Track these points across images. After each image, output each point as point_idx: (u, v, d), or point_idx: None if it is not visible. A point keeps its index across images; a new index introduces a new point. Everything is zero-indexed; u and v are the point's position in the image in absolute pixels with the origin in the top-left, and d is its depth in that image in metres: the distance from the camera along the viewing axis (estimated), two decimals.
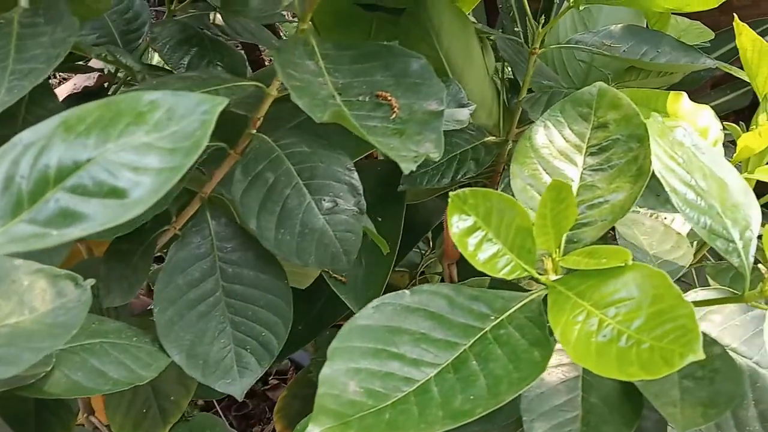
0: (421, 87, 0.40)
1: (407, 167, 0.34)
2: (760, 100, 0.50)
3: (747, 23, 0.96)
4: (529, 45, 0.59)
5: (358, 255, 0.65)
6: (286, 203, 0.44)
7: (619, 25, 0.61)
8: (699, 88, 1.15)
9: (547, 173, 0.41)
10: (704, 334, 0.41)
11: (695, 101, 1.10)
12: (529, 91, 0.64)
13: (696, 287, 0.48)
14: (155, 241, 0.46)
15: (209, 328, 0.45)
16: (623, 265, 0.34)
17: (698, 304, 0.43)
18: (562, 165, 0.41)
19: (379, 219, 0.66)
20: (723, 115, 1.31)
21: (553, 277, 0.38)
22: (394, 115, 0.39)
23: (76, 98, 0.73)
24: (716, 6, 1.01)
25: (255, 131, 0.45)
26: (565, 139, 0.42)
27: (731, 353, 0.44)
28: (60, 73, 1.49)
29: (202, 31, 0.60)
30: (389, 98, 0.40)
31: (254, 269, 0.46)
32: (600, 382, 0.40)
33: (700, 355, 0.30)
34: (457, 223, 0.34)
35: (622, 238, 0.45)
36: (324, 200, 0.44)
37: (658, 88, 0.66)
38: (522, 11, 0.69)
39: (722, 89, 1.13)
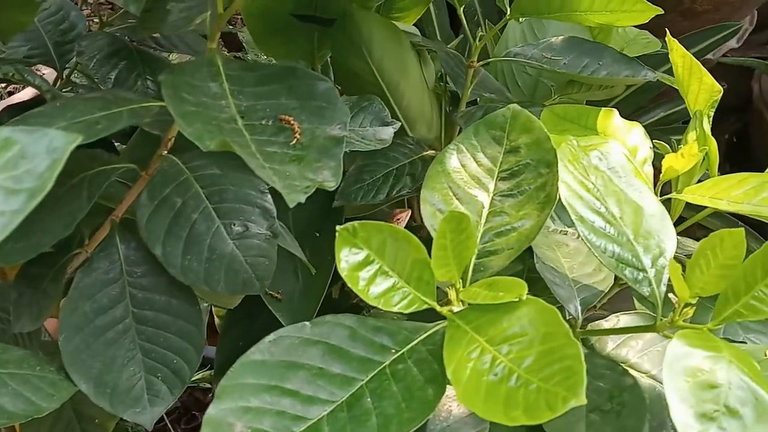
0: (326, 111, 0.39)
1: (294, 199, 0.33)
2: (691, 116, 0.49)
3: (710, 28, 0.95)
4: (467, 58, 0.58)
5: (294, 270, 0.64)
6: (194, 228, 0.43)
7: (560, 37, 0.59)
8: (665, 92, 1.15)
9: (457, 199, 0.40)
10: (617, 364, 0.40)
11: (661, 105, 1.09)
12: (472, 103, 0.63)
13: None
14: (66, 265, 0.45)
15: (118, 356, 0.43)
16: (517, 299, 0.33)
17: (611, 332, 0.42)
18: (473, 190, 0.40)
19: (317, 234, 0.65)
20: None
21: (456, 308, 0.36)
22: (295, 141, 0.37)
23: (17, 108, 0.71)
24: (677, 12, 0.99)
25: (166, 152, 0.44)
26: (478, 163, 0.41)
27: (650, 380, 0.43)
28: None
29: (132, 43, 0.58)
30: (292, 122, 0.38)
31: (166, 294, 0.45)
32: None
33: (582, 401, 0.28)
34: (346, 258, 0.33)
35: (540, 261, 0.43)
36: (234, 224, 0.43)
37: (603, 99, 0.65)
38: (474, 24, 0.68)
39: None
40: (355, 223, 0.33)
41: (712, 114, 0.48)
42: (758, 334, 0.46)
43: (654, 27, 1.05)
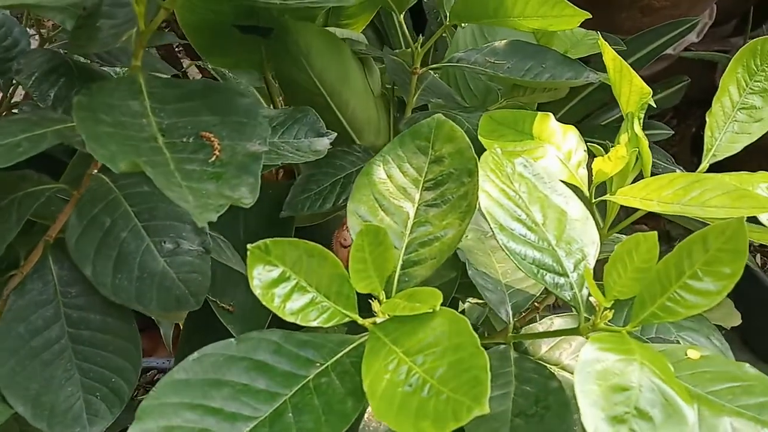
0: (246, 126, 0.39)
1: (205, 218, 0.33)
2: (624, 118, 0.49)
3: (667, 24, 0.96)
4: (410, 65, 0.58)
5: (246, 282, 0.64)
6: (123, 247, 0.43)
7: (503, 41, 0.60)
8: None
9: (383, 210, 0.40)
10: (545, 368, 0.41)
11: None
12: (420, 109, 0.63)
13: None
14: (2, 287, 0.45)
15: (56, 377, 0.44)
16: (431, 310, 0.33)
17: (539, 335, 0.43)
18: (399, 201, 0.40)
19: None
20: (659, 112, 1.31)
21: (380, 320, 0.37)
22: (214, 158, 0.37)
23: None
24: (636, 8, 1.00)
25: (96, 171, 0.44)
26: (404, 173, 0.41)
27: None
28: None
29: (72, 59, 0.58)
30: (212, 139, 0.38)
31: (101, 313, 0.45)
32: None
33: (485, 410, 0.29)
34: (260, 275, 0.33)
35: (473, 267, 0.44)
36: (165, 242, 0.43)
37: (562, 99, 0.66)
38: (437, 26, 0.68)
39: (652, 88, 1.12)
40: (268, 240, 0.34)
41: (642, 115, 0.48)
42: (691, 332, 0.46)
43: (612, 25, 1.06)
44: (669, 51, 0.96)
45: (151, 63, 0.64)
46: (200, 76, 1.20)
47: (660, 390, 0.33)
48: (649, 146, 1.03)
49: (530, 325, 0.45)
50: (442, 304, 0.44)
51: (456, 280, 0.44)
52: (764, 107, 0.48)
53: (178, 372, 0.36)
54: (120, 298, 0.43)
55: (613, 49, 0.85)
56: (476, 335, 0.31)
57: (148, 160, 0.37)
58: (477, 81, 0.70)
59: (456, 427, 0.29)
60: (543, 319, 0.45)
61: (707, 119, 0.48)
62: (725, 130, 0.48)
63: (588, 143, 0.49)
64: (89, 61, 0.62)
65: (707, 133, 0.48)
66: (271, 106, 0.76)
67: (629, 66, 0.47)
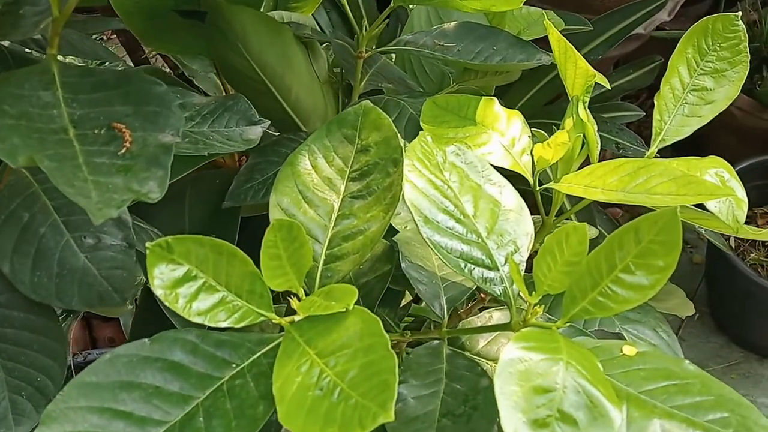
0: (159, 116, 0.37)
1: (103, 215, 0.31)
2: (570, 101, 0.47)
3: (636, 2, 0.93)
4: (356, 49, 0.56)
5: None
6: (42, 243, 0.41)
7: (453, 23, 0.57)
8: (602, 68, 1.13)
9: (306, 202, 0.38)
10: (477, 365, 0.39)
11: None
12: (369, 94, 0.61)
13: None
14: None
15: None
16: (345, 309, 0.32)
17: (470, 331, 0.41)
18: (324, 192, 0.38)
19: (214, 236, 0.63)
20: (633, 93, 1.29)
21: (298, 318, 0.35)
22: (124, 150, 0.36)
23: None
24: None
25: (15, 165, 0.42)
26: (330, 163, 0.39)
27: None
28: None
29: (6, 47, 0.56)
30: (124, 130, 0.36)
31: (24, 311, 0.43)
32: None
33: (390, 417, 0.27)
34: (162, 275, 0.32)
35: (407, 260, 0.42)
36: (85, 237, 0.41)
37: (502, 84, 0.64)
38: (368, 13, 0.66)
39: (624, 69, 1.10)
40: (170, 238, 0.32)
41: (588, 99, 0.46)
42: (636, 324, 0.45)
43: (580, 5, 1.03)
44: (640, 30, 0.93)
45: (92, 50, 0.62)
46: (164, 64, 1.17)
47: (585, 391, 0.31)
48: (620, 128, 1.02)
49: (468, 319, 0.43)
50: (374, 298, 0.43)
51: (389, 273, 0.43)
52: (716, 89, 0.46)
53: (88, 374, 0.34)
54: (39, 295, 0.41)
55: (580, 28, 0.83)
56: (386, 336, 0.30)
57: (54, 153, 0.35)
58: (433, 65, 0.67)
59: None
60: (482, 313, 0.43)
61: (656, 102, 0.46)
62: (675, 113, 0.46)
63: (533, 129, 0.48)
64: (30, 51, 0.60)
65: (656, 116, 0.46)
66: (224, 94, 0.74)
67: (574, 47, 0.45)
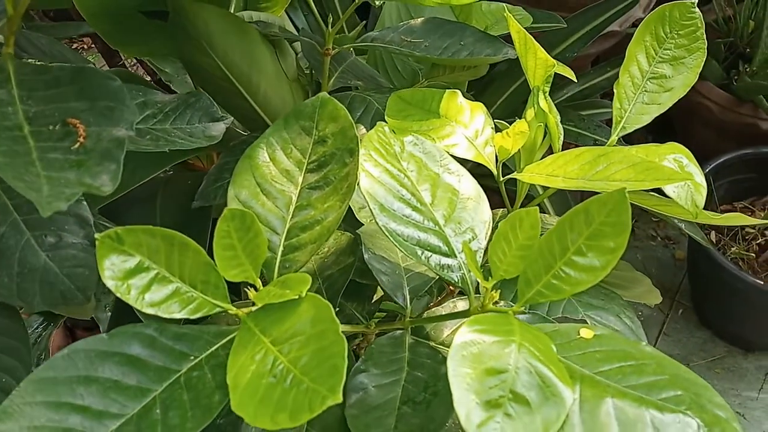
0: (114, 111, 0.37)
1: (52, 208, 0.31)
2: (532, 90, 0.48)
3: (604, 2, 0.94)
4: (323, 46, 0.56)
5: None
6: (2, 243, 0.41)
7: (420, 19, 0.58)
8: (580, 65, 1.14)
9: (264, 194, 0.38)
10: (438, 353, 0.40)
11: (571, 81, 1.06)
12: (338, 91, 0.61)
13: None
14: None
15: None
16: (297, 297, 0.32)
17: (430, 320, 0.41)
18: (282, 184, 0.39)
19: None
20: (611, 91, 1.29)
21: (255, 308, 0.35)
22: (78, 145, 0.36)
23: None
24: None
25: None
26: (288, 156, 0.39)
27: None
28: None
29: None
30: (78, 125, 0.36)
31: None
32: (324, 413, 0.38)
33: (338, 400, 0.27)
34: (113, 266, 0.32)
35: (370, 251, 0.42)
36: (46, 236, 0.41)
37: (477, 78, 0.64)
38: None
39: (602, 67, 1.11)
40: (119, 228, 0.32)
41: (548, 89, 0.46)
42: (599, 310, 0.45)
43: (555, 4, 1.04)
44: (616, 28, 0.94)
45: (60, 53, 0.62)
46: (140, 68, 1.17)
47: (537, 372, 0.31)
48: (597, 125, 1.02)
49: (433, 308, 0.43)
50: (337, 290, 0.43)
51: (353, 265, 0.43)
52: (675, 76, 0.47)
53: (45, 370, 0.34)
54: (1, 295, 0.41)
55: (553, 26, 0.83)
56: (337, 321, 0.30)
57: (7, 149, 0.35)
58: (404, 63, 0.68)
59: (310, 417, 0.28)
60: (447, 302, 0.43)
61: (615, 90, 0.47)
62: (635, 101, 0.47)
63: (497, 121, 0.48)
64: None
65: (615, 105, 0.47)
66: None
67: (533, 39, 0.46)
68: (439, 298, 0.50)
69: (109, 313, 0.76)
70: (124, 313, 0.59)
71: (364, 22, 0.86)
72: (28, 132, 0.37)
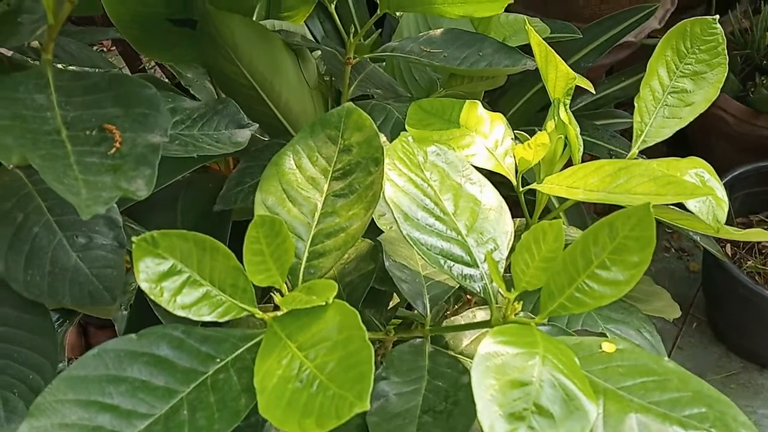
0: (149, 117, 0.38)
1: (91, 212, 0.32)
2: (552, 102, 0.48)
3: (625, 10, 0.95)
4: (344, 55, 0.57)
5: None
6: (35, 242, 0.42)
7: (440, 30, 0.59)
8: (595, 75, 1.14)
9: (290, 200, 0.39)
10: (458, 363, 0.40)
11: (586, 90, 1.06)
12: (358, 99, 0.62)
13: None
14: None
15: None
16: (324, 303, 0.32)
17: (451, 329, 0.42)
18: (308, 191, 0.39)
19: None
20: (626, 101, 1.30)
21: (280, 313, 0.36)
22: (114, 150, 0.37)
23: None
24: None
25: (11, 166, 0.43)
26: (314, 163, 0.40)
27: None
28: None
29: (3, 54, 0.57)
30: (114, 131, 0.37)
31: (18, 309, 0.44)
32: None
33: (366, 407, 0.28)
34: (147, 269, 0.32)
35: (391, 259, 0.43)
36: (77, 236, 0.42)
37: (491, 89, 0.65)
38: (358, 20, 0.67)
39: (616, 76, 1.11)
40: (155, 232, 0.33)
41: (568, 101, 0.47)
42: (619, 324, 0.45)
43: (570, 13, 1.05)
44: (630, 38, 0.94)
45: (89, 58, 0.63)
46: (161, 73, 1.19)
47: (561, 385, 0.32)
48: (612, 135, 1.03)
49: (452, 317, 0.44)
50: (358, 296, 0.43)
51: (373, 272, 0.43)
52: (696, 91, 0.47)
53: (76, 368, 0.35)
54: (32, 293, 0.42)
55: (569, 36, 0.84)
56: (364, 328, 0.30)
57: (46, 153, 0.36)
58: (421, 72, 0.69)
59: (338, 424, 0.29)
60: (466, 312, 0.44)
61: (636, 104, 0.47)
62: (655, 115, 0.47)
63: (517, 132, 0.48)
64: (27, 58, 0.61)
65: (636, 118, 0.47)
66: None
67: (554, 52, 0.46)
68: (456, 307, 0.50)
69: (125, 312, 0.77)
70: (143, 313, 0.61)
71: (380, 30, 0.87)
72: (66, 136, 0.38)
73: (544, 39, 0.51)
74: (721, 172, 1.18)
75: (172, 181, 0.61)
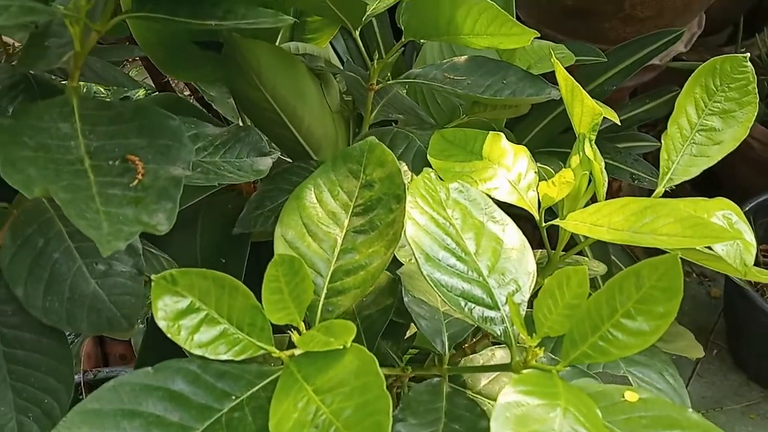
0: (171, 149, 0.38)
1: (112, 248, 0.32)
2: (578, 137, 0.47)
3: (652, 34, 0.94)
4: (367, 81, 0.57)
5: None
6: (55, 268, 0.42)
7: (464, 57, 0.58)
8: (618, 97, 1.13)
9: (311, 235, 0.39)
10: (477, 406, 0.39)
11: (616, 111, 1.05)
12: (379, 124, 0.62)
13: None
14: None
15: None
16: (342, 347, 0.32)
17: (471, 370, 0.41)
18: (328, 226, 0.39)
19: (223, 261, 0.64)
20: (649, 123, 1.28)
21: (298, 352, 0.35)
22: (136, 182, 0.37)
23: None
24: (618, 18, 0.98)
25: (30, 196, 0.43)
26: (335, 198, 0.40)
27: None
28: None
29: (32, 74, 0.58)
30: (137, 162, 0.37)
31: (36, 333, 0.44)
32: None
33: None
34: (165, 307, 0.32)
35: (410, 294, 0.42)
36: (97, 263, 0.42)
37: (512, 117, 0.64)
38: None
39: (641, 99, 1.10)
40: (174, 270, 0.32)
41: (594, 137, 0.46)
42: (641, 367, 0.44)
43: (595, 35, 1.04)
44: (655, 61, 0.93)
45: (113, 77, 0.64)
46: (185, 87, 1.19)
47: None
48: (635, 159, 1.01)
49: (471, 356, 0.43)
50: (376, 331, 0.43)
51: (392, 307, 0.43)
52: (725, 129, 0.46)
53: (92, 401, 0.35)
54: (50, 320, 0.42)
55: (594, 60, 0.83)
56: (382, 376, 0.30)
57: (68, 184, 0.37)
58: (444, 96, 0.68)
59: None
60: (485, 350, 0.43)
61: (663, 141, 0.46)
62: (683, 153, 0.46)
63: (540, 165, 0.48)
64: (55, 77, 0.62)
65: (663, 155, 0.46)
66: (239, 120, 0.76)
67: (581, 86, 0.46)
68: (474, 341, 0.50)
69: (142, 326, 0.77)
70: (158, 328, 0.61)
71: (402, 49, 0.87)
72: (88, 166, 0.38)
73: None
74: (745, 198, 1.17)
75: (192, 203, 0.61)
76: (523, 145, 0.51)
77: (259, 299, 0.37)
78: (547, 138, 0.94)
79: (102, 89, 1.03)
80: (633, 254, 1.02)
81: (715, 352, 1.18)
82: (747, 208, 1.13)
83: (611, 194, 0.81)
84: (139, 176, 0.37)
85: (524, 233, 0.44)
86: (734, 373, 1.16)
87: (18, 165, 0.35)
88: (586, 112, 0.46)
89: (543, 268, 0.50)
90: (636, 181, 0.92)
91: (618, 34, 0.98)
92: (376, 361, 0.30)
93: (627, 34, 0.94)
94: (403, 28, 0.54)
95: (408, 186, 0.39)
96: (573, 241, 0.57)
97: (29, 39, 0.51)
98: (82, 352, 0.90)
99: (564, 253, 0.50)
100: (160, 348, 0.65)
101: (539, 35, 0.49)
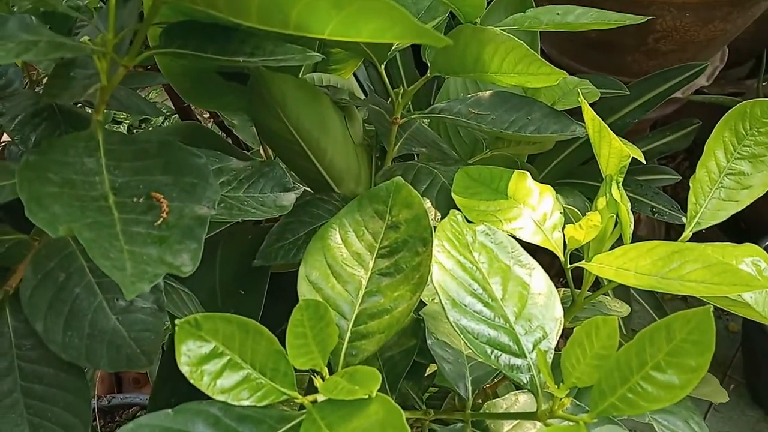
0: (197, 187, 0.38)
1: (136, 290, 0.32)
2: (605, 179, 0.47)
3: (675, 68, 0.93)
4: (391, 114, 0.57)
5: None
6: (75, 303, 0.42)
7: (488, 92, 0.58)
8: (639, 129, 1.12)
9: (335, 276, 0.38)
10: None
11: (634, 143, 1.06)
12: (402, 158, 0.62)
13: None
14: None
15: (5, 431, 0.43)
16: (367, 396, 0.31)
17: (496, 416, 0.40)
18: (353, 268, 0.39)
19: (242, 292, 0.64)
20: (670, 155, 1.28)
21: (321, 398, 0.35)
22: (161, 220, 0.36)
23: None
24: (641, 52, 0.97)
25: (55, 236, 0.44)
26: (360, 238, 0.39)
27: None
28: None
29: (57, 103, 0.58)
30: (162, 200, 0.37)
31: (54, 368, 0.44)
32: None
33: None
34: (189, 352, 0.32)
35: (433, 336, 0.42)
36: (117, 299, 0.42)
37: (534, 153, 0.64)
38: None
39: (662, 131, 1.09)
40: (198, 315, 0.32)
41: (621, 179, 0.46)
42: (667, 414, 0.43)
43: (618, 67, 1.04)
44: (677, 94, 0.93)
45: (137, 105, 0.64)
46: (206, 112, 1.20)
47: None
48: (655, 192, 1.00)
49: (494, 401, 0.42)
50: (399, 374, 0.42)
51: (415, 348, 0.42)
52: (754, 173, 0.46)
53: None
54: (69, 355, 0.42)
55: (617, 93, 0.82)
56: (408, 429, 0.29)
57: (93, 221, 0.36)
58: (466, 128, 0.68)
59: None
60: (508, 395, 0.42)
61: (691, 185, 0.46)
62: (711, 197, 0.46)
63: (566, 206, 0.47)
64: (80, 105, 0.63)
65: (691, 199, 0.46)
66: (260, 148, 0.76)
67: (608, 127, 0.45)
68: (495, 381, 0.49)
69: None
70: (174, 362, 0.60)
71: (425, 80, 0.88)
72: (113, 202, 0.38)
73: None
74: (766, 232, 1.15)
75: (212, 234, 0.61)
76: (544, 176, 0.50)
77: (274, 333, 0.37)
78: (568, 169, 0.94)
79: (121, 114, 1.04)
80: (655, 292, 1.01)
81: (733, 387, 1.16)
82: (767, 243, 1.12)
83: None
84: (164, 215, 0.37)
85: (542, 264, 0.43)
86: (751, 409, 1.14)
87: (43, 202, 0.35)
88: (614, 153, 0.45)
89: (567, 309, 0.49)
90: (656, 214, 0.91)
91: (641, 68, 0.98)
92: (403, 414, 0.30)
93: (650, 67, 0.94)
94: (429, 64, 0.54)
95: (434, 228, 0.38)
96: (597, 280, 0.56)
97: (54, 69, 0.51)
98: (96, 377, 0.90)
99: (589, 293, 0.49)
100: (175, 379, 0.65)
101: (566, 75, 0.49)
